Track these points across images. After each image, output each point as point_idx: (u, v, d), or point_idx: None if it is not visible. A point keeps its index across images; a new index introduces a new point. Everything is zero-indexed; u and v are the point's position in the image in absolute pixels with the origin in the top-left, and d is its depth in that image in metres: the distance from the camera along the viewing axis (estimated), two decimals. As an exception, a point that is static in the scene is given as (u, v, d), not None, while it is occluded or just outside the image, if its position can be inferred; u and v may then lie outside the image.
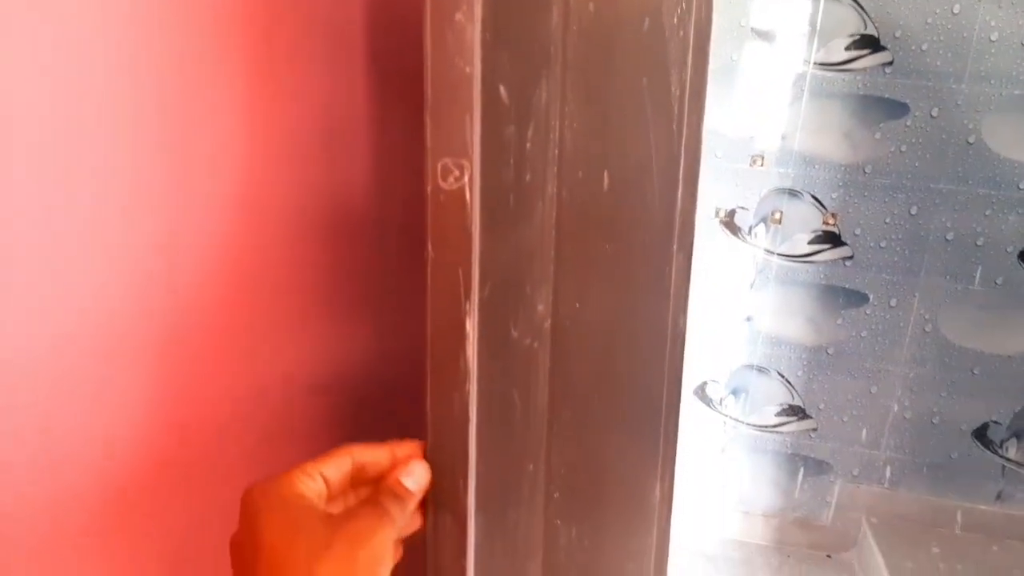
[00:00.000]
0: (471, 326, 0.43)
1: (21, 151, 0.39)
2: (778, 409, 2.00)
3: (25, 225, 0.40)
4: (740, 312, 1.96)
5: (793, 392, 1.98)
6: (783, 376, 1.98)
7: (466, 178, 0.41)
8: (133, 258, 0.45)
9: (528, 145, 0.46)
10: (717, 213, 1.97)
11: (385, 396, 0.58)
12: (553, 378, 0.55)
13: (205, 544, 0.53)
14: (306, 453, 0.45)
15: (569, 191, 0.53)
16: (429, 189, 0.42)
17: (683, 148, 0.73)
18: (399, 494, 0.47)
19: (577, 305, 0.58)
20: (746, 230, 1.91)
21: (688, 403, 2.10)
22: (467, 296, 0.42)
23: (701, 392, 2.07)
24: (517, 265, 0.48)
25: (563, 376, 0.57)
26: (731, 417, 2.05)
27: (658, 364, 0.81)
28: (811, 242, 1.86)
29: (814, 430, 1.99)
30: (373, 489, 0.48)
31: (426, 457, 0.47)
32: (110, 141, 0.43)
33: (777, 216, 1.87)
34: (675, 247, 0.77)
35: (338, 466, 0.47)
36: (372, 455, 0.48)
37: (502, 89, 0.43)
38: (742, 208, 1.89)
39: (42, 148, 0.40)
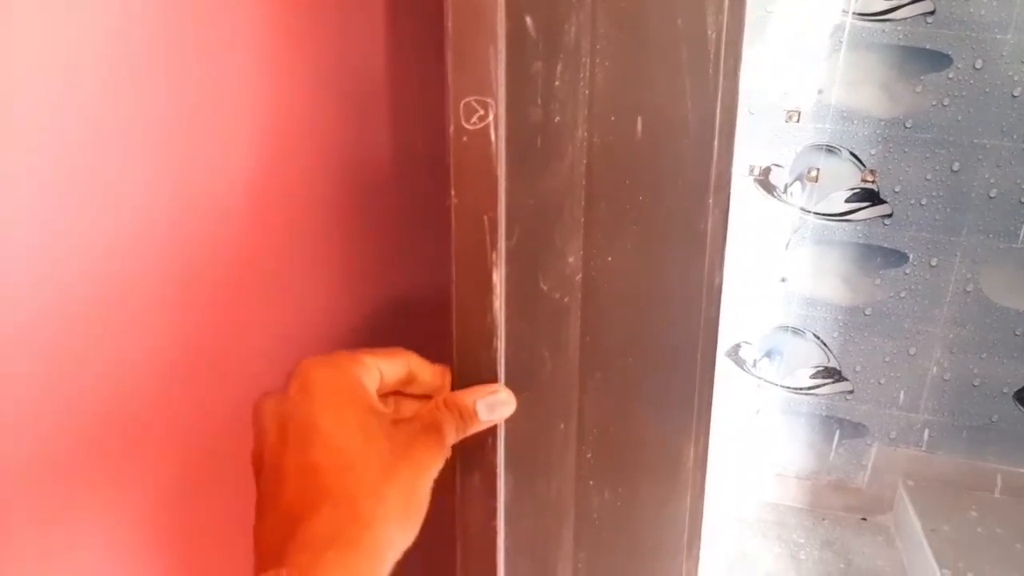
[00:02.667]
0: (498, 278, 0.40)
1: (30, 97, 0.37)
2: (813, 371, 1.97)
3: (38, 165, 0.38)
4: (775, 272, 1.92)
5: (829, 354, 1.94)
6: (818, 338, 1.94)
7: (491, 117, 0.38)
8: (149, 195, 0.43)
9: (557, 83, 0.43)
10: (751, 171, 1.92)
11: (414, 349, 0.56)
12: (584, 335, 0.52)
13: (218, 469, 0.52)
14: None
15: (601, 136, 0.50)
16: (451, 130, 0.39)
17: (720, 96, 0.69)
18: (465, 418, 0.42)
19: (609, 259, 0.55)
20: (781, 188, 1.86)
21: (721, 365, 2.07)
22: (493, 245, 0.40)
23: (734, 354, 2.04)
24: (546, 213, 0.45)
25: (595, 334, 0.55)
26: (765, 379, 2.02)
27: (693, 323, 0.78)
28: (849, 200, 1.81)
29: (850, 392, 1.95)
30: (428, 409, 0.43)
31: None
32: (126, 87, 0.41)
33: (813, 174, 1.82)
34: (711, 201, 0.73)
35: (394, 367, 0.43)
36: (426, 370, 0.44)
37: (528, 20, 0.40)
38: (777, 166, 1.84)
39: (51, 93, 0.38)
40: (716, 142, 0.71)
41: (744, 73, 0.63)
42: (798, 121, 1.80)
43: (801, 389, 2.00)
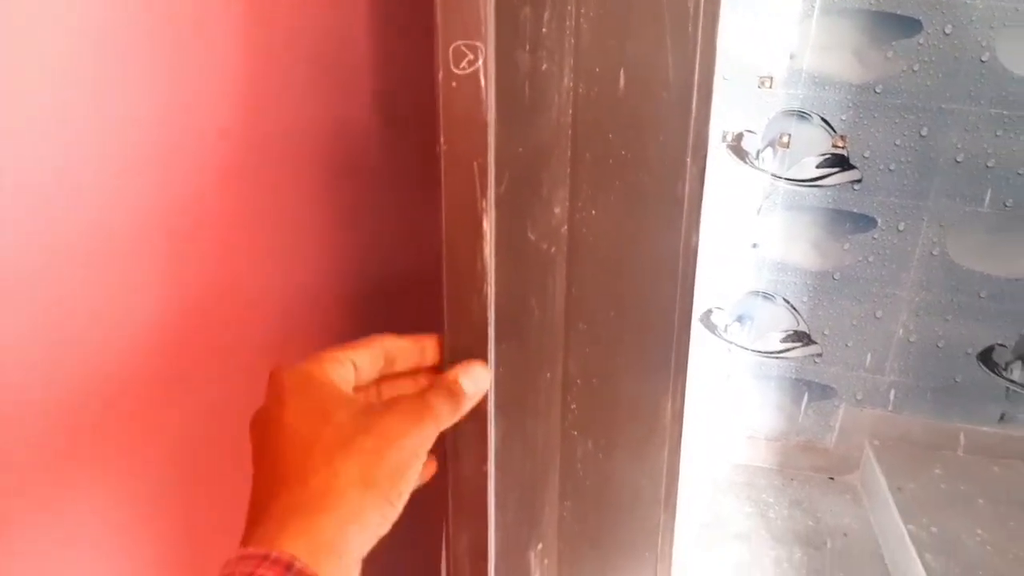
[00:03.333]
0: (488, 225, 0.41)
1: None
2: (783, 335, 1.99)
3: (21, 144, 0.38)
4: (746, 238, 1.94)
5: (799, 318, 1.97)
6: (789, 302, 1.96)
7: (480, 61, 0.38)
8: (132, 160, 0.43)
9: (544, 30, 0.43)
10: (724, 137, 1.93)
11: (399, 301, 0.56)
12: (570, 287, 0.53)
13: (217, 437, 0.52)
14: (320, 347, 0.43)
15: (586, 87, 0.50)
16: (440, 76, 0.39)
17: (698, 56, 0.70)
18: (454, 393, 0.43)
19: (593, 212, 0.55)
20: (753, 154, 1.87)
21: (694, 331, 2.10)
22: (483, 192, 0.40)
23: (707, 319, 2.06)
24: (534, 162, 0.45)
25: (579, 285, 0.55)
26: (737, 344, 2.04)
27: (671, 280, 0.79)
28: (819, 166, 1.83)
29: (819, 355, 1.98)
30: (413, 384, 0.45)
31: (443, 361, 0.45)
32: (101, 56, 0.40)
33: (785, 139, 1.83)
34: (689, 161, 0.74)
35: (371, 356, 0.45)
36: (402, 347, 0.45)
37: (516, -34, 0.40)
38: (749, 132, 1.85)
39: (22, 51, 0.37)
40: (695, 102, 0.72)
41: (719, 38, 0.63)
42: (770, 87, 1.81)
43: (771, 353, 2.03)
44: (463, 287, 0.42)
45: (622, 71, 0.56)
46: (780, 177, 1.87)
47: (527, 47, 0.42)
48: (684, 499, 1.94)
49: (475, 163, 0.40)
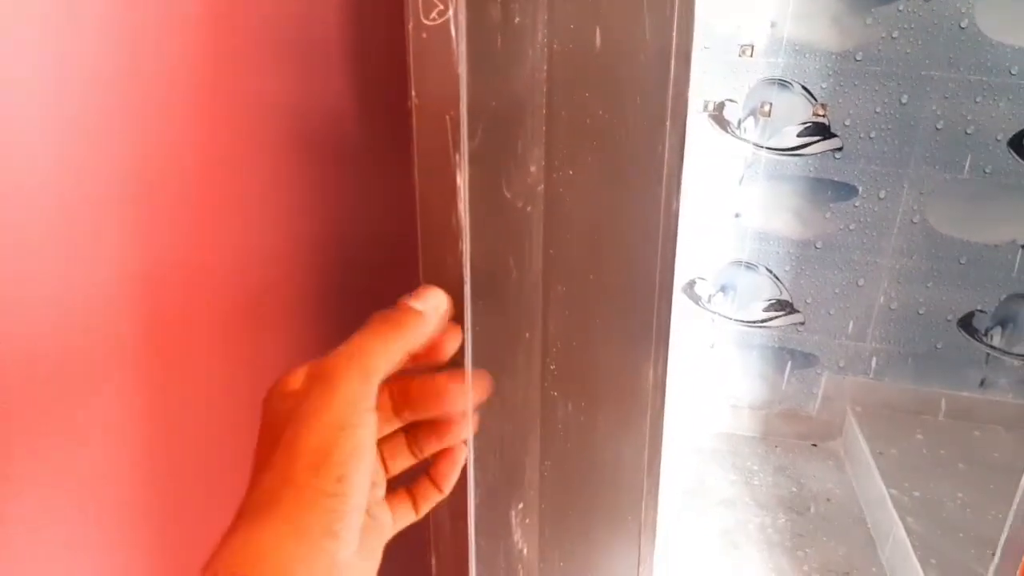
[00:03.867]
0: (462, 180, 0.40)
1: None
2: (766, 304, 2.00)
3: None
4: (729, 208, 1.94)
5: (781, 287, 1.98)
6: (771, 272, 1.97)
7: (451, 11, 0.37)
8: (97, 132, 0.42)
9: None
10: (706, 107, 1.93)
11: (373, 260, 0.55)
12: (547, 248, 0.53)
13: (180, 417, 0.52)
14: (295, 317, 0.43)
15: (561, 43, 0.50)
16: (411, 27, 0.38)
17: (676, 18, 0.69)
18: (401, 320, 0.38)
19: (571, 172, 0.55)
20: (735, 124, 1.87)
21: (677, 302, 2.10)
22: (456, 146, 0.39)
23: (690, 290, 2.07)
24: (508, 116, 0.45)
25: (557, 247, 0.55)
26: (720, 314, 2.05)
27: (651, 245, 0.79)
28: (800, 135, 1.83)
29: (801, 324, 1.99)
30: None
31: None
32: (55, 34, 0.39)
33: (766, 108, 1.83)
34: (668, 125, 0.73)
35: (393, 359, 0.39)
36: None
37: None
38: (731, 101, 1.85)
39: None
40: (673, 66, 0.72)
41: (698, 5, 0.62)
42: (751, 56, 1.80)
43: (754, 322, 2.04)
44: (438, 244, 0.42)
45: (598, 29, 0.55)
46: (762, 146, 1.87)
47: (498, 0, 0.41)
48: (668, 467, 1.96)
49: (448, 116, 0.39)
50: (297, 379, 0.38)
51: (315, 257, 0.56)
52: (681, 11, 0.68)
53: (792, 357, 2.04)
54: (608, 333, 0.71)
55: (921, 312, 1.91)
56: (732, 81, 1.84)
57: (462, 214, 0.40)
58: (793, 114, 1.82)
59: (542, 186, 0.50)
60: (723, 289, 2.03)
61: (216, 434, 0.51)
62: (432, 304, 0.39)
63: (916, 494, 1.63)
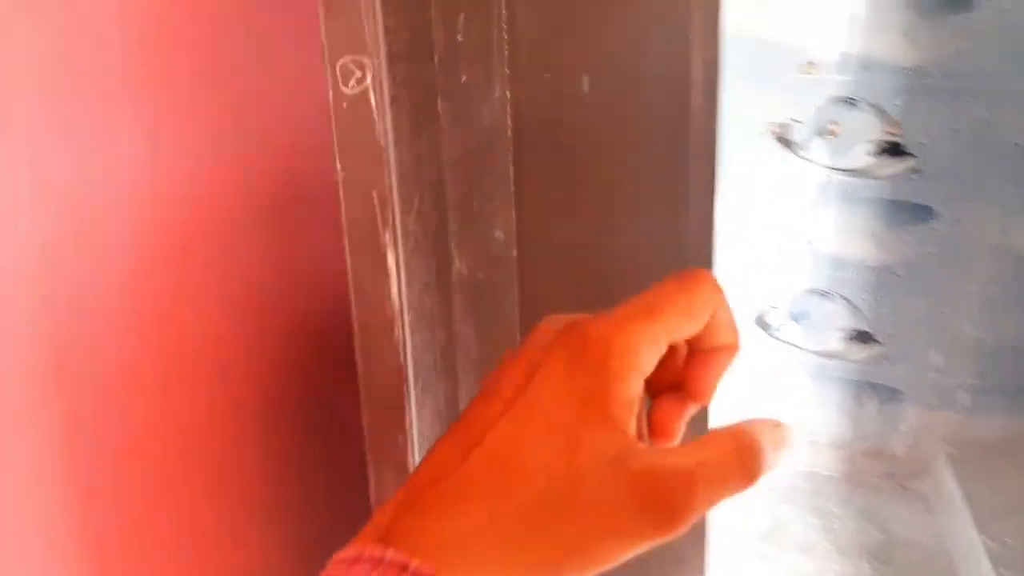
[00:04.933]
0: (394, 260, 0.36)
1: None
2: (844, 335, 1.89)
3: None
4: (799, 233, 1.85)
5: (859, 316, 1.87)
6: (848, 300, 1.86)
7: (370, 79, 0.33)
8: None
9: (460, 37, 0.38)
10: (769, 127, 1.85)
11: (306, 346, 0.51)
12: (524, 319, 0.48)
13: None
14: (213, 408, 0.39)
15: (529, 95, 0.45)
16: (331, 96, 0.35)
17: (694, 40, 0.63)
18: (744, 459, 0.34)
19: (552, 232, 0.50)
20: (801, 145, 1.78)
21: (747, 332, 2.01)
22: (386, 224, 0.35)
23: (761, 320, 1.98)
24: (458, 183, 0.40)
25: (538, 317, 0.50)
26: (794, 344, 1.95)
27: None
28: (872, 154, 1.73)
29: (883, 356, 1.87)
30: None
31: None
32: None
33: (834, 128, 1.74)
34: (690, 161, 0.67)
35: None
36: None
37: (411, -34, 0.35)
38: (796, 121, 1.77)
39: None
40: (694, 96, 0.66)
41: (755, 23, 0.57)
42: (816, 73, 1.72)
43: (832, 353, 1.93)
44: (373, 331, 0.37)
45: (585, 76, 0.50)
46: (831, 168, 1.77)
47: (435, 58, 0.37)
48: (741, 507, 1.87)
49: (374, 192, 0.35)
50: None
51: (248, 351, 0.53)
52: (704, 29, 0.62)
53: (875, 391, 1.92)
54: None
55: (1013, 342, 1.77)
56: (796, 100, 1.75)
57: (396, 298, 0.36)
58: (863, 133, 1.72)
59: (515, 251, 0.45)
60: (796, 318, 1.94)
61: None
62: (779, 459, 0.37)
63: (1010, 542, 1.50)
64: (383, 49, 0.34)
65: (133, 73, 0.39)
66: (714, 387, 0.40)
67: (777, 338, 1.96)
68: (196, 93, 0.42)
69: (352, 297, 0.38)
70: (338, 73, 0.34)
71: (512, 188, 0.45)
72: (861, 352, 1.88)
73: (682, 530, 0.33)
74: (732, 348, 0.38)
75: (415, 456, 0.39)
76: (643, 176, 0.59)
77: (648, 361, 0.35)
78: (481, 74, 0.41)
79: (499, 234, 0.44)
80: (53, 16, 0.37)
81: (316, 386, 0.39)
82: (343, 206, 0.36)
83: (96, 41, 0.38)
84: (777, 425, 0.38)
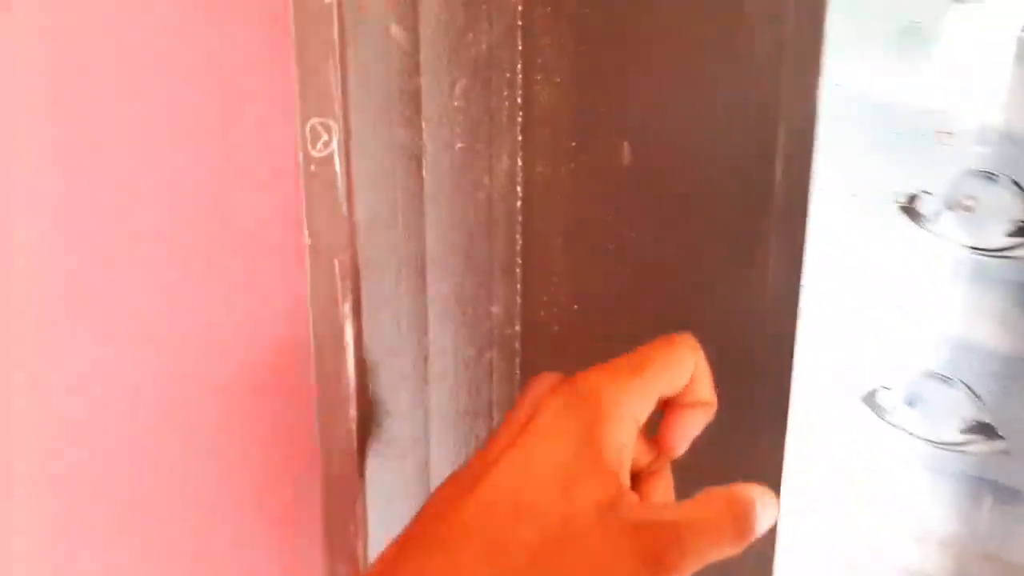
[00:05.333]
0: (352, 334, 0.34)
1: None
2: (963, 425, 1.75)
3: None
4: (921, 311, 1.73)
5: (982, 407, 1.72)
6: (970, 387, 1.72)
7: (335, 143, 0.32)
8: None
9: (456, 103, 0.36)
10: (895, 197, 1.74)
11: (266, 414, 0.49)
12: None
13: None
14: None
15: (550, 165, 0.42)
16: (301, 158, 0.33)
17: (783, 99, 0.58)
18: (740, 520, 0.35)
19: (575, 307, 0.47)
20: (930, 218, 1.67)
21: (855, 412, 1.89)
22: (346, 295, 0.33)
23: (871, 400, 1.85)
24: (447, 258, 0.38)
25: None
26: (906, 431, 1.82)
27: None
28: (1010, 234, 1.60)
29: (1006, 452, 1.72)
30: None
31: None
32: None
33: (969, 203, 1.62)
34: (772, 235, 0.63)
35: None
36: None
37: (394, 29, 0.33)
38: (926, 192, 1.66)
39: None
40: (779, 165, 0.61)
41: (884, 86, 0.54)
42: (951, 143, 1.61)
43: (948, 444, 1.79)
44: (330, 402, 0.35)
45: (626, 143, 0.47)
46: (962, 245, 1.65)
47: (422, 124, 0.35)
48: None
49: (336, 260, 0.33)
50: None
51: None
52: (796, 86, 0.57)
53: (994, 490, 1.75)
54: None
55: None
56: (928, 170, 1.64)
57: (351, 373, 0.33)
58: (1001, 210, 1.59)
59: (517, 327, 0.42)
60: (911, 402, 1.80)
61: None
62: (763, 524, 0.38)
63: None
64: (350, 112, 0.32)
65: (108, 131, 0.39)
66: (687, 441, 0.40)
67: (888, 422, 1.83)
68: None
69: (314, 371, 0.36)
70: (308, 134, 0.33)
71: (518, 261, 0.42)
72: (980, 446, 1.73)
73: None
74: (709, 405, 0.39)
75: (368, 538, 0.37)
76: (703, 248, 0.55)
77: (638, 411, 0.36)
78: (481, 140, 0.38)
79: (495, 309, 0.41)
80: None
81: (271, 462, 0.38)
82: (308, 274, 0.35)
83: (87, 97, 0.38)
84: (767, 491, 0.39)
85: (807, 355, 0.69)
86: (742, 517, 0.36)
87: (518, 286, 0.41)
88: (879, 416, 1.88)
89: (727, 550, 0.36)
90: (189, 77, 0.42)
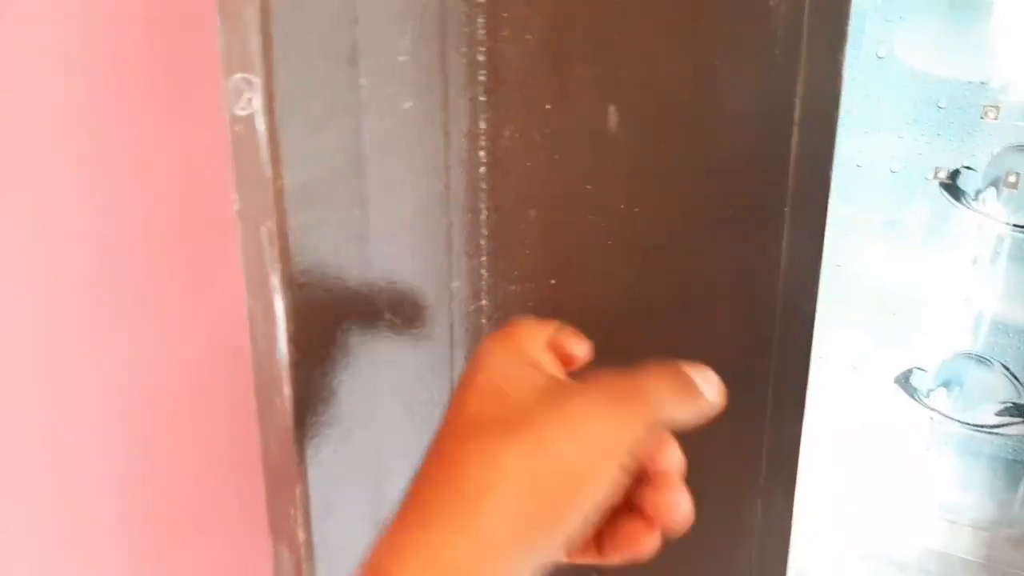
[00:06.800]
0: (282, 308, 0.32)
1: None
2: (999, 407, 1.69)
3: None
4: (958, 291, 1.67)
5: (1020, 389, 1.66)
6: (1008, 369, 1.66)
7: (257, 101, 0.30)
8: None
9: (402, 58, 0.34)
10: (936, 173, 1.67)
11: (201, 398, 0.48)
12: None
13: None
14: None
15: (521, 130, 0.40)
16: (227, 118, 0.31)
17: (800, 80, 0.55)
18: (685, 384, 0.35)
19: (552, 282, 0.44)
20: (972, 194, 1.60)
21: (890, 393, 1.84)
22: (275, 265, 0.31)
23: (904, 381, 1.80)
24: (394, 229, 0.36)
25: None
26: (940, 412, 1.77)
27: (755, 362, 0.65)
28: (1055, 208, 1.53)
29: (1043, 436, 1.66)
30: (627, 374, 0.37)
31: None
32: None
33: (1012, 179, 1.55)
34: (788, 213, 0.59)
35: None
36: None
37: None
38: (968, 168, 1.59)
39: None
40: (796, 139, 0.57)
41: (925, 59, 0.49)
42: (996, 118, 1.54)
43: (983, 427, 1.73)
44: (265, 383, 0.33)
45: (612, 106, 0.44)
46: (1004, 222, 1.58)
47: (359, 79, 0.32)
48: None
49: (263, 228, 0.31)
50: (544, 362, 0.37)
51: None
52: (811, 67, 0.54)
53: (1029, 475, 1.70)
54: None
55: None
56: (971, 146, 1.58)
57: (282, 352, 0.31)
58: (1046, 186, 1.53)
59: (484, 301, 0.40)
60: (947, 384, 1.75)
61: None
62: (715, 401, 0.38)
63: None
64: (275, 63, 0.30)
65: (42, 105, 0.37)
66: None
67: (922, 403, 1.77)
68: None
69: (250, 347, 0.34)
70: (231, 90, 0.31)
71: (484, 246, 0.39)
72: (1017, 429, 1.68)
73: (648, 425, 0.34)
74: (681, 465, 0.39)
75: (312, 529, 0.35)
76: (704, 233, 0.52)
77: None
78: (435, 101, 0.36)
79: (456, 284, 0.39)
80: None
81: (214, 443, 0.36)
82: (240, 243, 0.33)
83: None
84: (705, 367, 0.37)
85: (834, 335, 0.66)
86: (686, 375, 0.36)
87: (483, 259, 0.38)
88: (912, 397, 1.83)
89: (684, 405, 0.35)
90: (114, 35, 0.40)
